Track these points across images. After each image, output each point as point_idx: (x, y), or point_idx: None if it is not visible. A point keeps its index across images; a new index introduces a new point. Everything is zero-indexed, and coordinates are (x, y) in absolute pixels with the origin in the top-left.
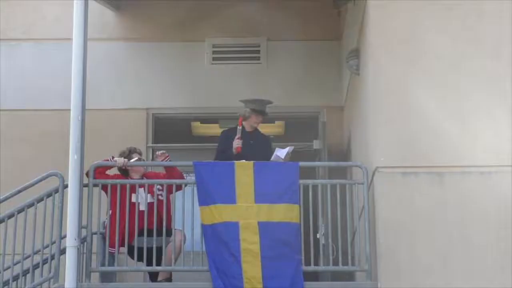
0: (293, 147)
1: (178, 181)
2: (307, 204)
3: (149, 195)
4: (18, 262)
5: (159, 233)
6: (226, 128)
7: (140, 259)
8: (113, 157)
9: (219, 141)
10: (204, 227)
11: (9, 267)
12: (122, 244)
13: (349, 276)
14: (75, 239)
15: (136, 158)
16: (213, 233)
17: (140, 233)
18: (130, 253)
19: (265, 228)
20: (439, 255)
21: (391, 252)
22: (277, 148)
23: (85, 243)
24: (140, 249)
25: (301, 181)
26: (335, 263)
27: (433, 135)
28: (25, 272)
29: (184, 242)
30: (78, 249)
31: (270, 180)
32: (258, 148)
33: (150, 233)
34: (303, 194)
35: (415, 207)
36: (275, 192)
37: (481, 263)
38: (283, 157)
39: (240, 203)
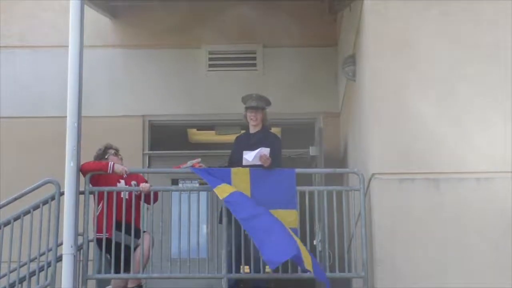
0: (268, 148)
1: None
2: (303, 211)
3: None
4: (14, 270)
5: (130, 231)
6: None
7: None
8: (113, 165)
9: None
10: (225, 201)
11: (5, 275)
12: (108, 231)
13: (346, 283)
14: (72, 247)
15: (112, 153)
16: (238, 198)
17: (119, 227)
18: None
19: None
20: (436, 262)
21: (387, 259)
22: (244, 152)
23: (82, 251)
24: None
25: (298, 188)
26: (332, 269)
27: (430, 141)
28: (21, 280)
29: (152, 246)
30: (74, 256)
31: (267, 187)
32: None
33: (126, 230)
34: (299, 201)
35: (412, 213)
36: (272, 199)
37: (478, 269)
38: (251, 160)
39: None
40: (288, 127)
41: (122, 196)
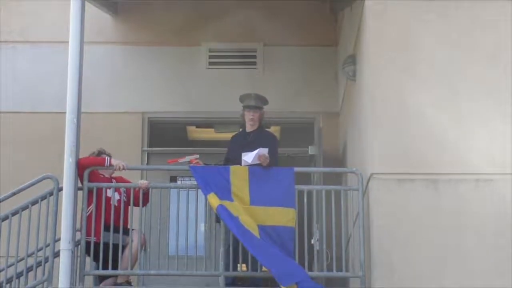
0: (266, 148)
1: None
2: (302, 210)
3: (116, 193)
4: (12, 265)
5: (122, 232)
6: (235, 132)
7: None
8: (110, 160)
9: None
10: (218, 209)
11: (3, 270)
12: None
13: (343, 282)
14: (69, 242)
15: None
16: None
17: (108, 229)
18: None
19: (261, 231)
20: (433, 262)
21: (385, 259)
22: (243, 153)
23: (79, 246)
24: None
25: (296, 187)
26: (329, 269)
27: (429, 141)
28: (19, 275)
29: (144, 243)
30: (72, 252)
31: (265, 185)
32: (257, 147)
33: (116, 231)
34: (298, 200)
35: (410, 214)
36: (270, 197)
37: (477, 270)
38: (250, 161)
39: (237, 203)
40: (288, 126)
41: (111, 202)
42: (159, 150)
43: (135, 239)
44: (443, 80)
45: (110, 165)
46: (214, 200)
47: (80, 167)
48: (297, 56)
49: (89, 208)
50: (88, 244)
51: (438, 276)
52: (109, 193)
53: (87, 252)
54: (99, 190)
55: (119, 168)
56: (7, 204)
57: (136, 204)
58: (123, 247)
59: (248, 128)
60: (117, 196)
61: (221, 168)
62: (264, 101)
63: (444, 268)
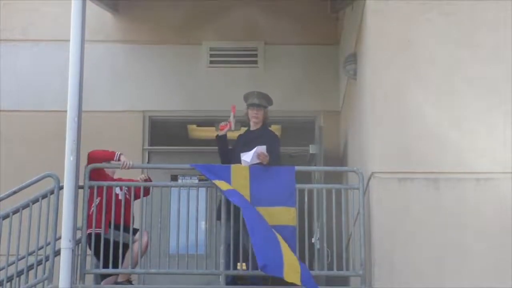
0: (264, 146)
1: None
2: (302, 209)
3: (121, 192)
4: (12, 263)
5: (126, 231)
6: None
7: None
8: (119, 154)
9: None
10: (225, 193)
11: (3, 268)
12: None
13: (344, 281)
14: (70, 241)
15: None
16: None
17: (114, 227)
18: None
19: None
20: (434, 261)
21: (386, 258)
22: (241, 153)
23: (80, 245)
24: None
25: (297, 186)
26: (330, 267)
27: (430, 140)
28: (19, 273)
29: (146, 246)
30: (72, 250)
31: (266, 184)
32: (257, 145)
33: (117, 228)
34: (298, 199)
35: (411, 213)
36: (271, 196)
37: (477, 269)
38: (249, 160)
39: None
40: (289, 125)
41: (120, 198)
42: (160, 149)
43: (139, 240)
44: (444, 79)
45: (119, 160)
46: (225, 185)
47: (90, 159)
48: (298, 55)
49: (96, 200)
50: (89, 237)
51: (438, 275)
52: (117, 190)
53: (89, 246)
54: (109, 188)
55: (125, 166)
56: (8, 202)
57: (137, 196)
58: (125, 246)
59: (252, 126)
60: (122, 195)
61: (222, 166)
62: (269, 100)
63: (444, 267)
